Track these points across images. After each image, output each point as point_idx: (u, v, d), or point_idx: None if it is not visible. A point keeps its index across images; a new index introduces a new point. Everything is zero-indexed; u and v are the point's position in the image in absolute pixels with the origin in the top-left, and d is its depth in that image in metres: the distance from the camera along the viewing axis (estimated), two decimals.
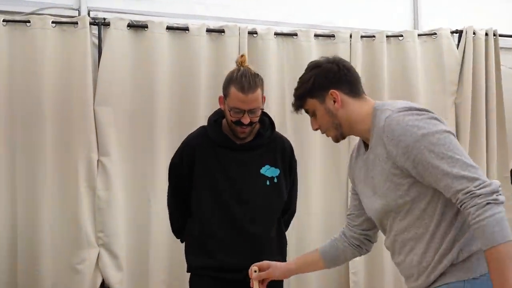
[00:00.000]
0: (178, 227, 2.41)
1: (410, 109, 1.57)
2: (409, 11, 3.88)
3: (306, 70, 1.74)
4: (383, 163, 1.57)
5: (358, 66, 3.44)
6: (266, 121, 2.29)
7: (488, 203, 1.42)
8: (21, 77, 3.10)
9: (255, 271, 1.95)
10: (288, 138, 3.42)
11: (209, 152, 2.23)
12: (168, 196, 2.43)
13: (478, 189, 1.43)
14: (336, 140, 1.74)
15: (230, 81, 2.17)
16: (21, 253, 3.06)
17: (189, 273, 2.34)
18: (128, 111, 3.24)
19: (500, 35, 3.76)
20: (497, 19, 3.89)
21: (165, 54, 3.28)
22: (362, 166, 1.70)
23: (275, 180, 2.27)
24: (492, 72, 3.67)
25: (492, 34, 3.70)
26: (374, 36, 3.60)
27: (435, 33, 3.67)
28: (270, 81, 3.38)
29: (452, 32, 3.71)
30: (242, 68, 2.17)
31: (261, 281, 1.96)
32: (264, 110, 2.28)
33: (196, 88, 3.31)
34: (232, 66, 3.24)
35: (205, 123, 2.37)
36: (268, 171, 2.26)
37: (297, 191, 2.45)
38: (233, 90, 2.14)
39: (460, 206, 1.47)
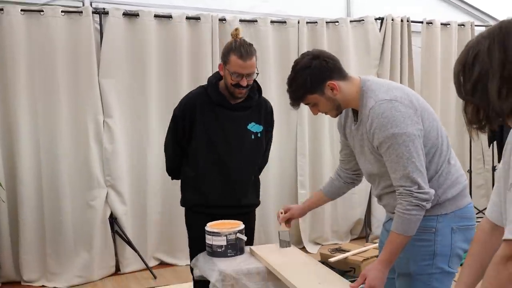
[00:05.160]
0: (173, 168, 2.59)
1: (391, 100, 1.72)
2: (343, 2, 4.71)
3: (297, 71, 1.81)
4: (367, 141, 1.82)
5: (304, 46, 4.26)
6: (255, 86, 2.46)
7: (417, 205, 1.72)
8: (39, 57, 3.74)
9: (282, 213, 2.24)
10: None
11: (208, 109, 2.40)
12: (167, 141, 2.56)
13: (416, 192, 1.72)
14: (336, 116, 1.91)
15: (230, 50, 2.30)
16: (46, 195, 3.82)
17: (183, 207, 2.57)
18: (126, 82, 3.96)
19: (412, 21, 4.73)
20: (410, 7, 4.82)
21: (153, 37, 3.97)
22: (355, 134, 1.88)
23: (259, 135, 2.47)
24: (405, 50, 4.67)
25: (406, 21, 4.68)
26: (316, 22, 4.42)
27: (363, 20, 4.57)
28: None
29: (376, 19, 4.64)
30: (238, 39, 2.32)
31: (286, 222, 2.27)
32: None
33: (178, 64, 4.06)
34: (206, 47, 4.02)
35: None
36: (254, 127, 2.45)
37: (271, 145, 2.66)
38: (233, 57, 2.27)
39: (398, 194, 1.76)
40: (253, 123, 2.45)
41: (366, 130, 1.79)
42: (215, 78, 2.45)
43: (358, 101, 1.81)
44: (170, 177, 2.68)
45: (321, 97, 1.81)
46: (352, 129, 1.91)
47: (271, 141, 2.64)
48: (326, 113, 1.89)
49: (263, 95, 2.54)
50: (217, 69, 2.44)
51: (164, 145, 2.58)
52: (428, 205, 1.75)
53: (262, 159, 2.59)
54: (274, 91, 4.26)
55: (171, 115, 2.51)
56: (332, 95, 1.81)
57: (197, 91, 2.47)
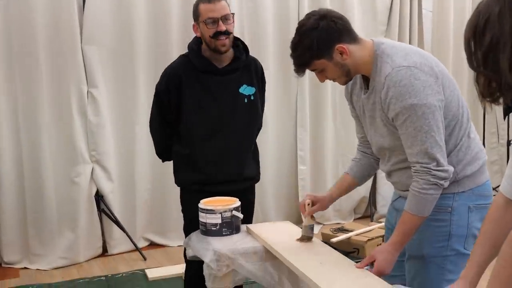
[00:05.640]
0: (162, 150, 2.47)
1: (409, 67, 1.60)
2: None
3: (303, 33, 1.67)
4: (380, 111, 1.69)
5: (305, 12, 3.88)
6: (240, 45, 2.36)
7: (435, 184, 1.62)
8: (16, 20, 3.49)
9: (308, 204, 1.96)
10: None
11: (193, 78, 2.29)
12: (152, 121, 2.43)
13: (434, 169, 1.62)
14: (345, 83, 1.77)
15: (197, 4, 2.27)
16: (26, 171, 3.61)
17: (179, 187, 2.46)
18: (111, 49, 3.74)
19: None
20: None
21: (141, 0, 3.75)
22: (365, 103, 1.76)
23: (252, 98, 2.36)
24: (415, 14, 4.39)
25: None
26: None
27: None
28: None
29: None
30: None
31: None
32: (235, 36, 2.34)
33: (168, 27, 3.83)
34: None
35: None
36: (246, 89, 2.35)
37: (264, 106, 2.53)
38: (201, 6, 2.23)
39: (413, 172, 1.65)
40: (244, 86, 2.33)
41: (381, 99, 1.66)
42: (196, 43, 2.33)
43: (370, 66, 1.68)
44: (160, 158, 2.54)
45: (329, 62, 1.68)
46: (361, 97, 1.78)
47: (264, 103, 2.51)
48: (334, 80, 1.76)
49: (262, 68, 2.42)
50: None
51: (150, 125, 2.46)
52: (446, 184, 1.65)
53: None
54: (272, 59, 4.05)
55: None
56: (341, 60, 1.67)
57: (179, 60, 2.35)
